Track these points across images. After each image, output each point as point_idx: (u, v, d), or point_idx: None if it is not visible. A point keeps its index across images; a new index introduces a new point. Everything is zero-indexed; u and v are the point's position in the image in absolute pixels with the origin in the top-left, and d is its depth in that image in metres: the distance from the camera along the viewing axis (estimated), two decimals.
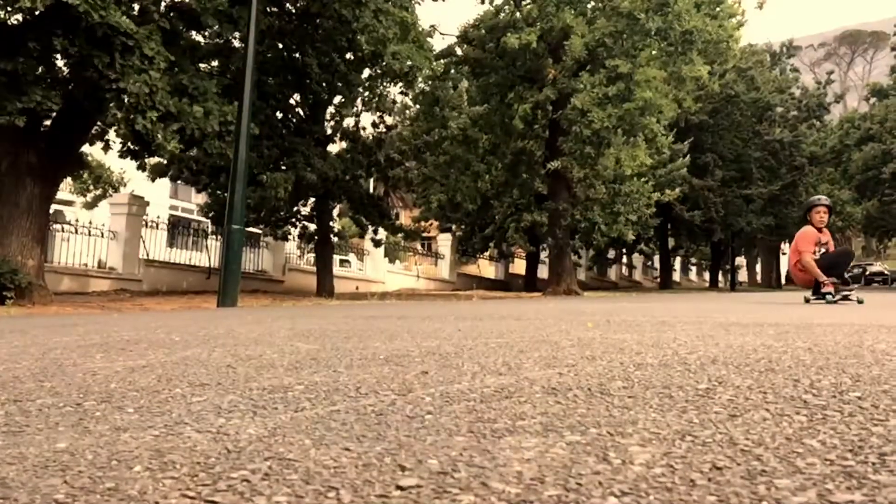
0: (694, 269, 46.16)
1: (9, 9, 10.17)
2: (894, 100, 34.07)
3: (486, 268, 28.79)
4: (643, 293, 22.09)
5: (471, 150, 17.35)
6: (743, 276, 48.81)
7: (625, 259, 36.33)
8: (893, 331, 2.87)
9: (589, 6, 16.36)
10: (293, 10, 15.39)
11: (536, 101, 16.86)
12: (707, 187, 28.70)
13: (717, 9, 15.28)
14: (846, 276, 8.12)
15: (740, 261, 46.40)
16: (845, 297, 7.80)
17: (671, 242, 33.05)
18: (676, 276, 39.53)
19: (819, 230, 8.21)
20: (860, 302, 7.64)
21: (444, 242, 24.52)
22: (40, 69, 9.87)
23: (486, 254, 26.52)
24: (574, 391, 1.41)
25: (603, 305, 7.61)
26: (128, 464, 0.87)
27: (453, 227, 23.84)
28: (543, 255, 23.48)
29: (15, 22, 10.47)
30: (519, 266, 28.55)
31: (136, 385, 1.50)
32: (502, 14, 17.62)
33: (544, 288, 19.27)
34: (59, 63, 10.93)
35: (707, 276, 41.43)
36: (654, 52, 16.00)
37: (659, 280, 34.08)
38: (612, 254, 32.07)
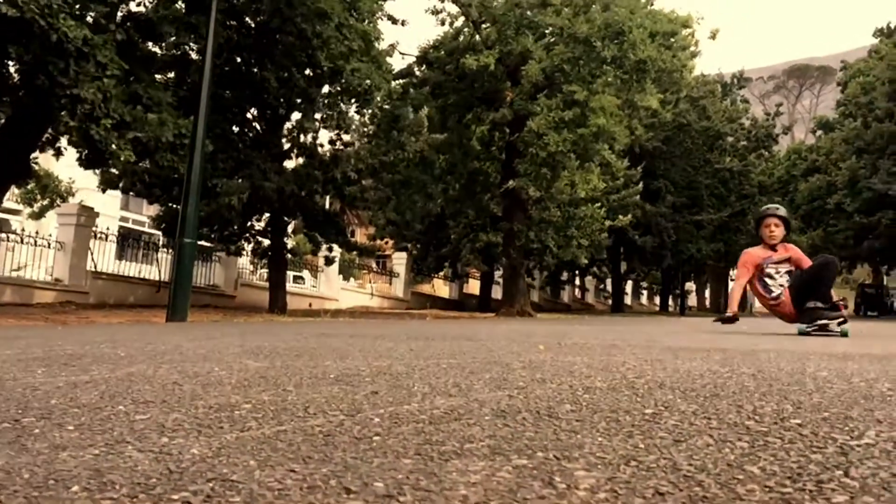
0: (645, 293, 46.85)
1: None
2: (839, 133, 35.19)
3: (441, 287, 28.82)
4: (595, 316, 22.32)
5: (426, 171, 17.41)
6: (692, 300, 49.68)
7: (577, 281, 36.69)
8: (836, 358, 2.95)
9: (547, 31, 16.62)
10: (252, 25, 15.31)
11: (493, 121, 17.02)
12: (659, 213, 29.23)
13: (672, 39, 15.66)
14: (835, 298, 6.10)
15: (690, 286, 47.22)
16: (823, 328, 5.88)
17: (623, 266, 33.51)
18: (628, 300, 40.07)
19: (772, 247, 6.46)
20: (844, 335, 5.66)
21: (399, 261, 24.49)
22: None
23: (441, 273, 26.55)
24: (523, 414, 1.41)
25: (555, 328, 7.67)
26: (65, 483, 0.85)
27: (409, 245, 23.83)
28: (498, 276, 23.61)
29: None
30: (473, 286, 28.63)
31: (78, 401, 1.47)
32: (461, 36, 17.80)
33: (498, 308, 19.36)
34: (11, 69, 10.71)
35: (658, 300, 42.05)
36: (609, 80, 16.30)
37: (611, 303, 34.49)
38: (565, 276, 32.38)
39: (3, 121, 10.73)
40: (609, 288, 36.91)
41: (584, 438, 1.17)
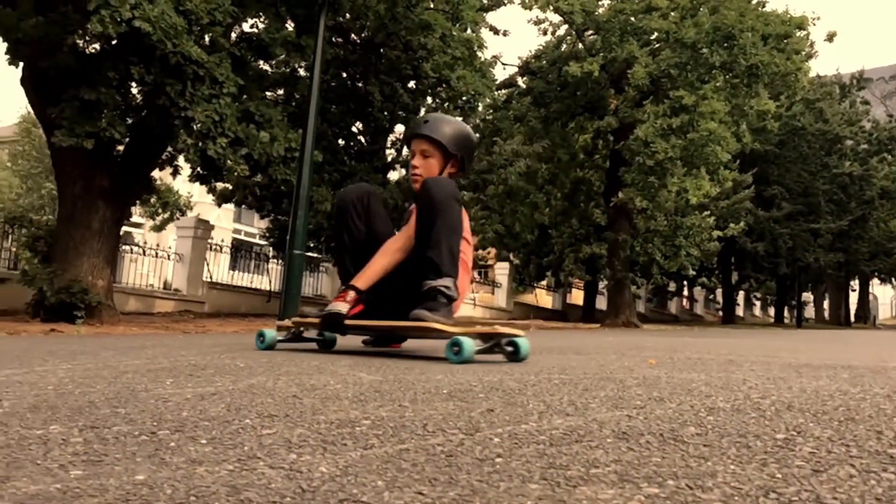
0: (758, 303, 45.00)
1: (86, 38, 10.61)
2: None
3: (544, 297, 28.58)
4: (705, 328, 21.62)
5: (530, 181, 17.34)
6: (810, 312, 47.36)
7: (686, 291, 35.65)
8: None
9: (653, 36, 16.28)
10: (358, 41, 15.68)
11: (597, 130, 16.80)
12: (773, 218, 28.05)
13: (785, 42, 15.04)
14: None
15: (807, 296, 45.04)
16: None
17: (734, 276, 32.31)
18: (740, 311, 38.59)
19: None
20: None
21: (502, 271, 24.46)
22: (118, 98, 10.22)
23: (544, 283, 26.36)
24: (646, 437, 1.37)
25: (665, 340, 7.47)
26: (206, 500, 0.88)
27: (511, 255, 23.79)
28: (602, 286, 23.24)
29: (93, 51, 10.91)
30: (577, 296, 28.27)
31: (207, 414, 1.52)
32: (564, 45, 17.69)
33: (603, 319, 19.04)
34: (134, 91, 11.33)
35: (772, 311, 40.33)
36: (718, 84, 15.82)
37: (722, 314, 33.31)
38: (672, 286, 31.53)
39: (127, 139, 11.34)
40: (719, 298, 35.67)
41: (715, 466, 1.13)
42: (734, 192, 22.75)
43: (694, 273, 21.88)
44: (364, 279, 3.57)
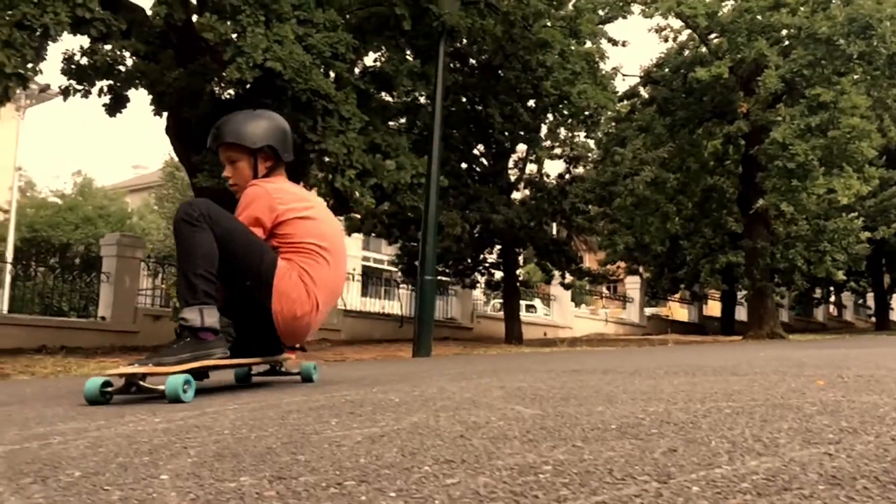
0: None
1: (221, 84, 11.22)
2: None
3: (678, 310, 27.67)
4: (857, 335, 20.25)
5: (659, 191, 16.87)
6: None
7: (832, 297, 33.57)
8: None
9: (783, 33, 15.54)
10: (475, 64, 15.81)
11: (727, 135, 16.18)
12: None
13: None
14: None
15: None
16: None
17: (887, 278, 30.15)
18: (895, 316, 35.94)
19: None
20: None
21: (633, 285, 23.88)
22: None
23: (677, 296, 25.53)
24: (860, 481, 1.25)
25: (821, 353, 7.01)
26: None
27: (641, 269, 23.20)
28: (740, 296, 22.24)
29: (228, 97, 11.51)
30: (713, 307, 27.21)
31: (384, 460, 1.52)
32: (687, 50, 17.19)
33: (743, 331, 18.20)
34: None
35: None
36: (856, 77, 14.89)
37: (874, 320, 31.13)
38: (818, 293, 29.76)
39: None
40: (871, 303, 33.37)
41: None
42: (881, 189, 21.29)
43: (843, 279, 20.54)
44: None
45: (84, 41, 10.42)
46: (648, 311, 24.91)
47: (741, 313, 22.33)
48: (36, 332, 11.85)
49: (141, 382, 2.89)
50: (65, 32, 8.73)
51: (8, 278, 18.76)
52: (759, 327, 16.49)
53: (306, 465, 1.48)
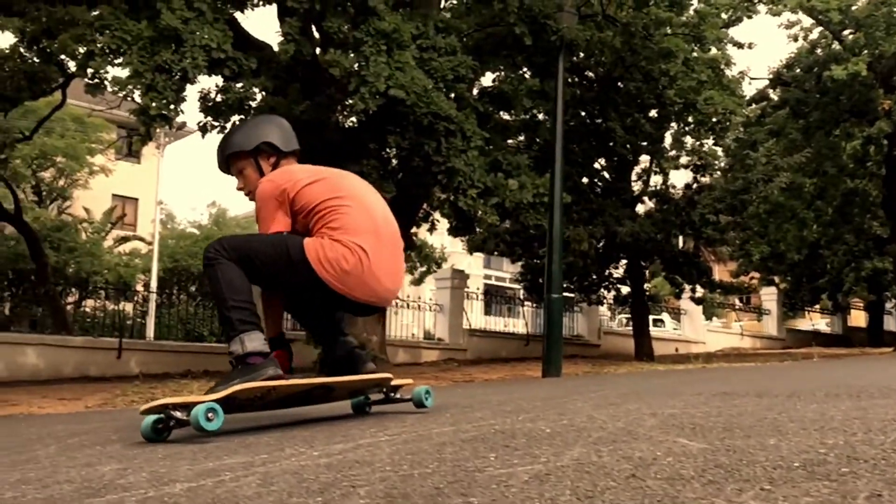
0: None
1: (344, 113, 11.54)
2: None
3: (819, 321, 26.13)
4: None
5: (794, 197, 16.03)
6: None
7: None
8: None
9: None
10: (594, 77, 15.61)
11: (868, 136, 15.20)
12: None
13: None
14: None
15: None
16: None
17: None
18: None
19: None
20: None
21: (769, 297, 22.73)
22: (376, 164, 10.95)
23: (817, 306, 24.15)
24: None
25: None
26: None
27: (776, 279, 22.09)
28: (889, 305, 20.77)
29: (351, 124, 11.84)
30: (856, 317, 25.56)
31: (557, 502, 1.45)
32: (819, 49, 16.32)
33: (893, 342, 16.96)
34: (390, 155, 12.09)
35: None
36: None
37: None
38: None
39: (388, 202, 12.07)
40: None
41: None
42: None
43: None
44: None
45: (218, 80, 10.98)
46: (786, 324, 23.66)
47: (890, 323, 20.85)
48: (181, 358, 12.52)
49: (174, 413, 2.79)
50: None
51: (153, 306, 19.96)
52: None
53: None
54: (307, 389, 3.26)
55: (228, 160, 3.47)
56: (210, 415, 2.69)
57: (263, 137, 3.43)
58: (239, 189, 3.53)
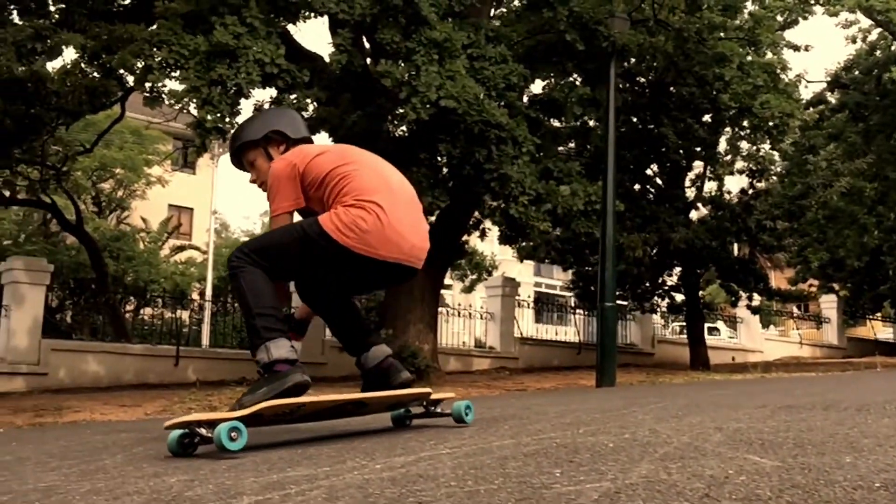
0: None
1: (394, 122, 11.60)
2: None
3: (882, 330, 25.33)
4: None
5: (855, 202, 15.59)
6: None
7: None
8: None
9: None
10: (645, 83, 15.44)
11: None
12: None
13: None
14: None
15: None
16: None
17: None
18: None
19: None
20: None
21: (829, 304, 22.11)
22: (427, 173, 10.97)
23: (879, 314, 23.42)
24: None
25: None
26: None
27: (836, 286, 21.50)
28: None
29: (401, 133, 11.89)
30: None
31: None
32: (878, 51, 15.87)
33: None
34: (440, 163, 12.10)
35: None
36: None
37: None
38: None
39: (438, 211, 12.10)
40: None
41: None
42: None
43: None
44: None
45: (272, 91, 11.15)
46: (847, 332, 22.96)
47: None
48: (236, 365, 12.67)
49: (198, 430, 2.68)
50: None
51: (208, 314, 20.32)
52: None
53: None
54: (339, 405, 3.19)
55: (240, 154, 3.47)
56: (233, 434, 2.62)
57: (272, 126, 3.43)
58: (252, 181, 3.50)
